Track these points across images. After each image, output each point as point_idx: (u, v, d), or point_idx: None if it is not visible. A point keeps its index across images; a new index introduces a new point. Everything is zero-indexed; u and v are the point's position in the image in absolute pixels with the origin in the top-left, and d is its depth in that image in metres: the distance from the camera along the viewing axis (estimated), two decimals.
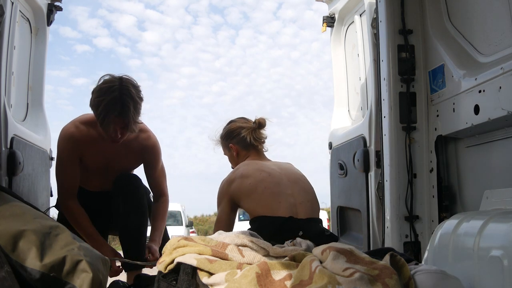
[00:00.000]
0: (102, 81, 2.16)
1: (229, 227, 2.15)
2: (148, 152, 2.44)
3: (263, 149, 2.39)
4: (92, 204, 2.38)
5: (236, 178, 2.13)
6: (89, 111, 2.28)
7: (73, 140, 2.26)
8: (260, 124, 2.32)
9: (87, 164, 2.37)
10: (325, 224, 13.38)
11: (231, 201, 2.13)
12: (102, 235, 2.40)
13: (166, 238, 2.50)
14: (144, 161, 2.48)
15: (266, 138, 2.36)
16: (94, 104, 2.13)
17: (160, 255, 1.54)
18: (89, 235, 2.22)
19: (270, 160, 2.37)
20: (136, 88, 2.18)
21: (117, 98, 2.07)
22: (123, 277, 2.36)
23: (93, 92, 2.15)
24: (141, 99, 2.19)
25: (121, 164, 2.42)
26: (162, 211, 2.48)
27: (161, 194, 2.53)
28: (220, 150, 2.48)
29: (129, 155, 2.41)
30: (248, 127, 2.32)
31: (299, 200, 2.07)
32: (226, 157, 2.47)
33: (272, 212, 1.99)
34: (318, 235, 1.92)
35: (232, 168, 2.41)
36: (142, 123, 2.36)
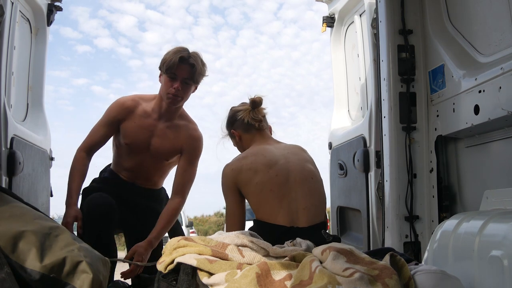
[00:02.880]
0: None
1: (242, 220, 2.05)
2: (191, 142, 2.42)
3: (267, 129, 2.27)
4: (122, 193, 2.40)
5: (244, 169, 2.01)
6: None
7: (121, 107, 2.37)
8: (254, 103, 2.23)
9: (131, 138, 2.38)
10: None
11: (238, 190, 2.03)
12: (119, 228, 2.44)
13: (177, 231, 2.50)
14: (184, 150, 2.42)
15: (264, 116, 2.26)
16: (165, 57, 2.29)
17: (160, 255, 1.54)
18: (70, 189, 2.26)
19: (279, 143, 2.21)
20: (202, 57, 2.36)
21: (186, 50, 2.30)
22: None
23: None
24: (206, 66, 2.36)
25: (163, 144, 2.41)
26: (172, 211, 2.34)
27: (179, 194, 2.39)
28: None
29: (173, 139, 2.40)
30: (244, 108, 2.25)
31: (302, 206, 1.95)
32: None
33: (272, 219, 1.92)
34: (319, 244, 1.85)
35: None
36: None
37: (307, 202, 1.96)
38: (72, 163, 2.35)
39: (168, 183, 2.64)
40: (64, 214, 2.20)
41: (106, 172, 2.54)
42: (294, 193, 1.97)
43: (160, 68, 2.33)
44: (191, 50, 2.33)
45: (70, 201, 2.23)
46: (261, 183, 1.96)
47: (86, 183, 2.46)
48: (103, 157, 2.71)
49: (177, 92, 2.27)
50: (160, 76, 2.35)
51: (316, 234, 1.89)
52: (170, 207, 2.35)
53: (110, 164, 2.59)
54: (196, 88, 2.40)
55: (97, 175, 2.57)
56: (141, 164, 2.44)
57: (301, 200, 1.96)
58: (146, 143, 2.39)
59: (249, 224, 1.99)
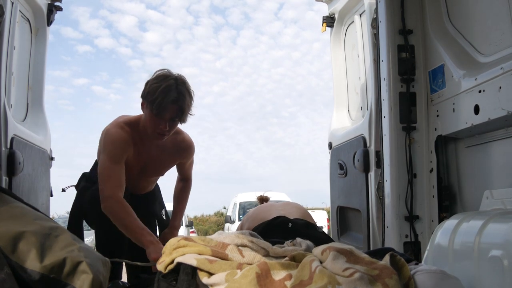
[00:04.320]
0: (157, 72, 2.19)
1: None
2: (184, 154, 2.49)
3: None
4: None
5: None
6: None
7: (125, 143, 2.22)
8: (262, 200, 2.73)
9: (126, 166, 2.29)
10: (325, 224, 13.37)
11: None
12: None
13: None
14: (180, 160, 2.54)
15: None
16: (150, 90, 2.11)
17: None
18: (136, 228, 2.04)
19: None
20: (189, 85, 2.20)
21: (173, 85, 2.11)
22: (124, 277, 2.37)
23: (147, 82, 2.17)
24: (193, 94, 2.21)
25: (156, 167, 2.44)
26: (185, 193, 2.66)
27: (186, 178, 2.67)
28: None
29: (165, 158, 2.42)
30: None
31: (289, 212, 2.16)
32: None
33: (265, 219, 2.10)
34: (307, 226, 1.97)
35: None
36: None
37: (294, 212, 2.19)
38: (114, 209, 2.06)
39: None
40: (152, 249, 1.95)
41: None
42: (281, 207, 2.28)
43: (144, 98, 2.17)
44: (177, 73, 2.16)
45: (151, 239, 2.01)
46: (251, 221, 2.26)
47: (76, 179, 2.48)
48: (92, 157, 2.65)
49: (164, 132, 2.18)
50: (142, 105, 2.20)
51: (304, 222, 2.05)
52: (182, 189, 2.62)
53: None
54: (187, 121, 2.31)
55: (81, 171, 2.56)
56: (135, 181, 2.42)
57: (289, 210, 2.21)
58: (139, 169, 2.39)
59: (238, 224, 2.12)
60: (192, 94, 2.19)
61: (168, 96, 2.08)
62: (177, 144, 2.41)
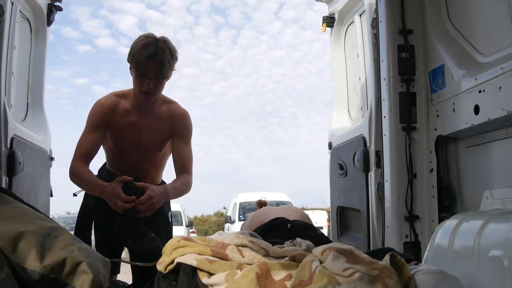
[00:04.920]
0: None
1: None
2: (178, 121, 2.42)
3: None
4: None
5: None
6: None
7: (102, 108, 2.29)
8: (260, 204, 2.73)
9: (118, 139, 2.36)
10: (325, 224, 13.36)
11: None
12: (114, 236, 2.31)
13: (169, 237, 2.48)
14: (174, 132, 2.41)
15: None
16: (131, 49, 2.21)
17: (160, 255, 1.54)
18: (94, 184, 2.16)
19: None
20: (171, 43, 2.26)
21: (152, 42, 2.19)
22: (123, 277, 2.37)
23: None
24: (176, 53, 2.26)
25: (152, 137, 2.41)
26: (184, 181, 2.33)
27: (184, 172, 2.38)
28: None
29: (160, 127, 2.39)
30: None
31: (288, 214, 2.16)
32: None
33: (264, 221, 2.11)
34: (306, 227, 1.98)
35: None
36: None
37: (292, 214, 2.19)
38: (74, 173, 2.20)
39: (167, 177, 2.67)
40: (107, 193, 2.07)
41: (104, 172, 2.51)
42: (280, 210, 2.31)
43: (128, 61, 2.25)
44: (161, 35, 2.23)
45: (101, 185, 2.12)
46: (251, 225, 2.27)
47: None
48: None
49: (149, 89, 2.22)
50: (130, 69, 2.27)
51: (303, 223, 2.06)
52: (180, 178, 2.33)
53: (105, 163, 2.56)
54: (169, 77, 2.31)
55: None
56: (135, 162, 2.42)
57: (287, 212, 2.20)
58: (135, 142, 2.38)
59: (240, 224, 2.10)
60: (175, 52, 2.26)
61: (146, 51, 2.15)
62: (171, 112, 2.41)
